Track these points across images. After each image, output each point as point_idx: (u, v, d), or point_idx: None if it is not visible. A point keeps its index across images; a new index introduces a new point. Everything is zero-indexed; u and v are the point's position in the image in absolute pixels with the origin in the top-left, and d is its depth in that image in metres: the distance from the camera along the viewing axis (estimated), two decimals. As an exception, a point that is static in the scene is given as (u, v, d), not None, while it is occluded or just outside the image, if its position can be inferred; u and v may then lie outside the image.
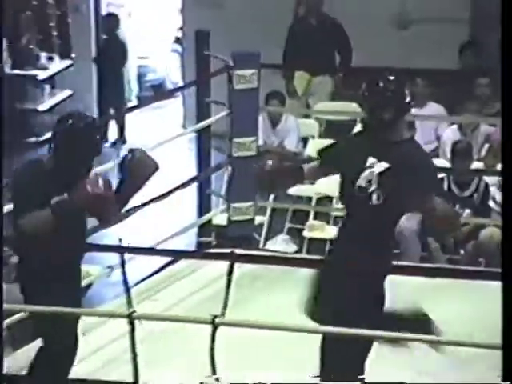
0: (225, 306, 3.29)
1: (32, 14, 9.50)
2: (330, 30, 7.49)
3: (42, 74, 9.27)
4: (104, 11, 9.97)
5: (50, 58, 9.54)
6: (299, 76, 7.55)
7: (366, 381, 3.42)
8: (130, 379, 3.42)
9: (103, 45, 9.41)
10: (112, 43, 9.28)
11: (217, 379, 3.29)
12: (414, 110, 6.50)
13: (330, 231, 6.15)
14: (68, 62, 9.56)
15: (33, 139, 8.93)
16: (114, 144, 9.06)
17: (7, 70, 8.89)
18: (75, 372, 3.72)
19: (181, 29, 9.78)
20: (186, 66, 8.82)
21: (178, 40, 10.85)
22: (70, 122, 3.64)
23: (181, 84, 10.07)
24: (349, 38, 7.46)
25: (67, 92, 9.50)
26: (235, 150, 5.59)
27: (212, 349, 3.27)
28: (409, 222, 5.61)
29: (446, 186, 5.81)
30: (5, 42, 8.80)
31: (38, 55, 9.37)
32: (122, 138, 9.16)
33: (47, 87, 9.51)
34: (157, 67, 11.19)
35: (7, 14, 8.86)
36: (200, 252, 5.44)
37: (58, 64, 9.51)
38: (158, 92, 10.84)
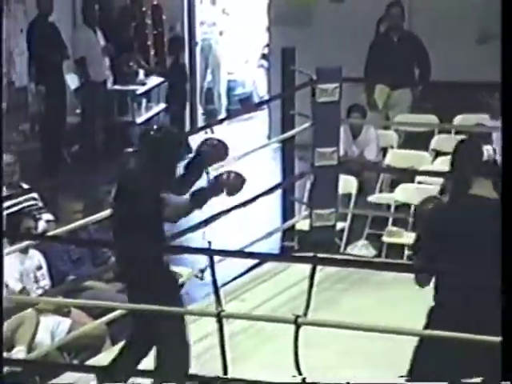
0: (307, 307, 3.28)
1: (132, 34, 9.69)
2: (410, 45, 7.42)
3: (140, 89, 9.44)
4: (198, 31, 10.10)
5: (147, 75, 9.70)
6: (380, 89, 7.50)
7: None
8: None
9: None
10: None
11: (304, 379, 3.26)
12: (492, 123, 6.38)
13: (408, 237, 6.08)
14: (163, 78, 9.70)
15: (131, 149, 9.09)
16: None
17: (109, 85, 9.09)
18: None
19: (267, 46, 9.82)
20: (272, 81, 8.84)
21: (264, 56, 10.90)
22: (152, 133, 3.76)
23: (267, 97, 10.10)
24: (427, 52, 7.38)
25: (162, 105, 9.64)
26: (317, 160, 5.57)
27: (296, 347, 3.25)
28: None
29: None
30: (107, 60, 8.99)
31: (137, 71, 9.53)
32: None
33: (144, 101, 9.68)
34: (245, 82, 11.27)
35: (110, 33, 9.06)
36: (284, 255, 5.44)
37: (154, 79, 9.66)
38: (245, 105, 10.90)
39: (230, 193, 3.77)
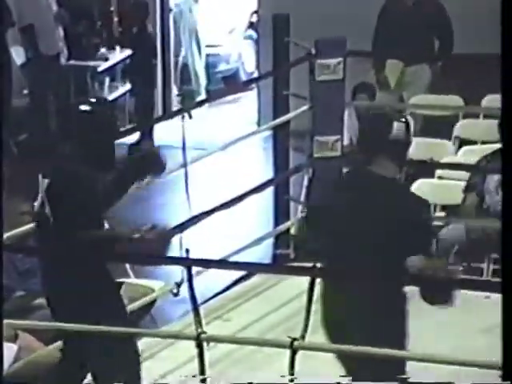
0: (305, 328, 3.30)
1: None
2: (428, 10, 7.41)
3: (101, 66, 9.44)
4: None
5: (110, 48, 9.71)
6: (391, 65, 7.52)
7: None
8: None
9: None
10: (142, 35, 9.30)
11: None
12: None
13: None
14: (129, 52, 9.71)
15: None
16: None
17: (63, 60, 9.08)
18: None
19: (256, 12, 9.84)
20: (262, 55, 8.87)
21: (252, 25, 10.92)
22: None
23: (256, 75, 10.13)
24: (450, 19, 7.38)
25: (129, 85, 9.65)
26: (316, 150, 5.60)
27: (292, 375, 3.29)
28: None
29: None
30: (61, 30, 8.99)
31: (98, 44, 9.54)
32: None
33: (107, 80, 9.68)
34: (229, 56, 11.27)
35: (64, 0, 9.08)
36: (278, 266, 5.46)
37: (119, 54, 9.67)
38: (230, 84, 10.92)
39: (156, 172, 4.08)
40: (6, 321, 4.86)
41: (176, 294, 4.92)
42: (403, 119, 3.79)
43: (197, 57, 10.70)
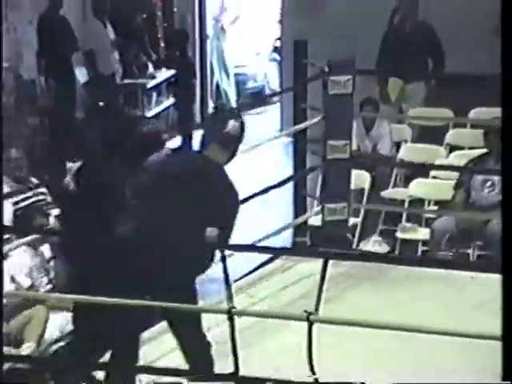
0: (318, 303, 3.25)
1: (142, 27, 9.67)
2: (423, 36, 7.34)
3: (149, 83, 9.42)
4: (209, 25, 10.08)
5: (157, 68, 9.70)
6: (393, 82, 7.44)
7: None
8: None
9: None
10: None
11: (316, 380, 3.23)
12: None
13: (422, 233, 6.04)
14: (172, 72, 9.68)
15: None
16: None
17: (118, 79, 9.07)
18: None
19: (279, 39, 9.79)
20: (284, 74, 8.81)
21: (276, 49, 10.87)
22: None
23: (279, 91, 10.07)
24: (441, 43, 7.30)
25: (171, 100, 9.63)
26: (329, 152, 5.54)
27: (309, 345, 3.23)
28: None
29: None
30: (116, 54, 8.98)
31: (147, 65, 9.52)
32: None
33: (154, 95, 9.67)
34: (256, 75, 11.24)
35: (119, 27, 9.06)
36: (296, 249, 5.41)
37: (164, 73, 9.65)
38: (257, 98, 10.87)
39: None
40: (69, 296, 4.86)
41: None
42: (239, 119, 3.96)
43: (224, 77, 10.68)
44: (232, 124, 3.91)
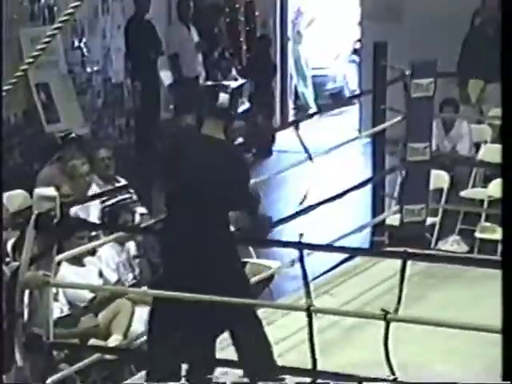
0: (398, 302, 3.23)
1: (225, 31, 9.76)
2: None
3: (232, 85, 9.48)
4: (289, 29, 10.11)
5: (240, 70, 9.76)
6: (473, 83, 7.34)
7: None
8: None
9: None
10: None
11: (395, 379, 3.22)
12: None
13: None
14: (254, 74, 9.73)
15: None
16: None
17: (201, 81, 9.17)
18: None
19: (359, 40, 9.74)
20: (363, 76, 8.77)
21: (356, 51, 10.82)
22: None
23: (357, 92, 10.02)
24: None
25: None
26: (410, 155, 5.50)
27: (386, 344, 3.21)
28: None
29: None
30: (200, 57, 9.08)
31: (230, 67, 9.60)
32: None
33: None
34: (336, 77, 11.20)
35: (203, 30, 9.16)
36: (374, 250, 5.38)
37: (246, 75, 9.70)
38: (336, 100, 10.85)
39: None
40: (154, 291, 4.95)
41: (292, 265, 4.84)
42: (227, 90, 3.85)
43: (301, 79, 10.70)
44: (222, 96, 3.82)
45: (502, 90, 1.93)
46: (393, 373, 3.21)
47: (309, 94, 10.71)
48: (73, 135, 6.80)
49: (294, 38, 10.57)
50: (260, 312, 4.38)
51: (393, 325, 3.22)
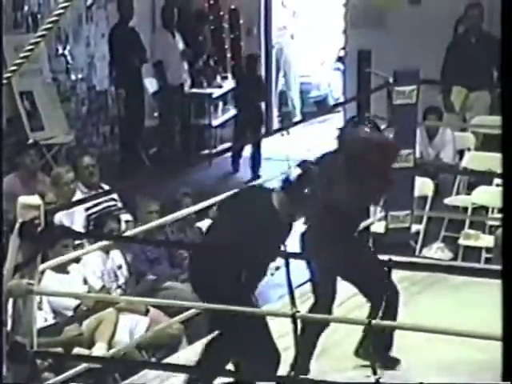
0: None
1: (210, 38, 9.76)
2: (489, 47, 7.27)
3: (216, 92, 9.50)
4: (273, 34, 10.12)
5: (224, 78, 9.77)
6: (457, 91, 7.38)
7: None
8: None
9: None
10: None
11: (377, 380, 3.23)
12: None
13: (486, 240, 5.97)
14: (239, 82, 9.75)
15: (206, 151, 9.17)
16: None
17: (186, 89, 9.18)
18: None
19: (343, 48, 9.77)
20: (348, 83, 8.79)
21: (340, 59, 10.85)
22: None
23: (342, 100, 10.05)
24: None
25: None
26: (393, 162, 5.50)
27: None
28: None
29: None
30: (185, 65, 9.08)
31: (214, 75, 9.61)
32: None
33: (220, 104, 9.74)
34: (320, 84, 11.23)
35: (188, 37, 9.16)
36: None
37: (230, 82, 9.72)
38: (321, 107, 10.87)
39: None
40: (139, 298, 4.95)
41: (272, 274, 4.84)
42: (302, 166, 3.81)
43: (292, 85, 10.71)
44: (312, 187, 3.77)
45: (502, 93, 1.93)
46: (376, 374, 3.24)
47: (296, 101, 10.73)
48: (31, 141, 6.78)
49: (287, 41, 10.60)
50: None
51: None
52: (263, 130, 9.57)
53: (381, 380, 3.19)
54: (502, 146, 1.97)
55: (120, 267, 5.31)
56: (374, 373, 3.22)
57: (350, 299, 4.63)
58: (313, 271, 4.00)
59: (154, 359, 4.91)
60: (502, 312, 2.18)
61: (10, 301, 3.41)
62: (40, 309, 4.55)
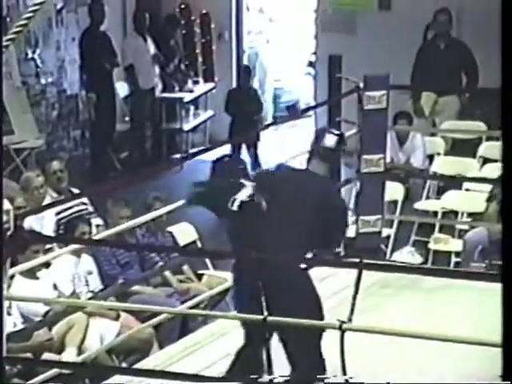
0: (351, 312, 3.26)
1: (181, 42, 9.75)
2: (457, 52, 7.36)
3: (187, 97, 9.50)
4: (245, 39, 10.13)
5: (196, 82, 9.76)
6: (426, 96, 7.44)
7: None
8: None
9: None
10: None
11: (347, 380, 3.25)
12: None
13: (455, 244, 6.02)
14: (211, 85, 9.76)
15: (177, 156, 9.16)
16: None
17: (157, 93, 9.16)
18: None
19: (314, 53, 9.81)
20: (319, 88, 8.82)
21: (311, 64, 10.89)
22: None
23: (313, 104, 10.09)
24: (475, 59, 7.30)
25: (209, 112, 9.69)
26: (364, 166, 5.54)
27: (342, 352, 3.24)
28: None
29: None
30: (156, 69, 9.06)
31: (186, 79, 9.60)
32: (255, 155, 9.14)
33: (192, 108, 9.74)
34: (291, 89, 11.27)
35: (160, 41, 9.15)
36: (330, 260, 5.41)
37: (202, 87, 9.71)
38: (292, 112, 10.90)
39: None
40: (109, 303, 4.93)
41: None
42: (335, 132, 4.04)
43: (266, 90, 10.73)
44: (328, 137, 3.97)
45: (502, 95, 1.95)
46: (345, 373, 3.26)
47: (269, 105, 10.76)
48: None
49: (262, 48, 10.61)
50: (215, 324, 4.38)
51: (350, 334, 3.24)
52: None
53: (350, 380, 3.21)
54: (502, 146, 1.98)
55: (90, 272, 5.28)
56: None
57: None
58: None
59: (124, 364, 4.89)
60: (502, 312, 2.20)
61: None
62: (9, 314, 4.51)
